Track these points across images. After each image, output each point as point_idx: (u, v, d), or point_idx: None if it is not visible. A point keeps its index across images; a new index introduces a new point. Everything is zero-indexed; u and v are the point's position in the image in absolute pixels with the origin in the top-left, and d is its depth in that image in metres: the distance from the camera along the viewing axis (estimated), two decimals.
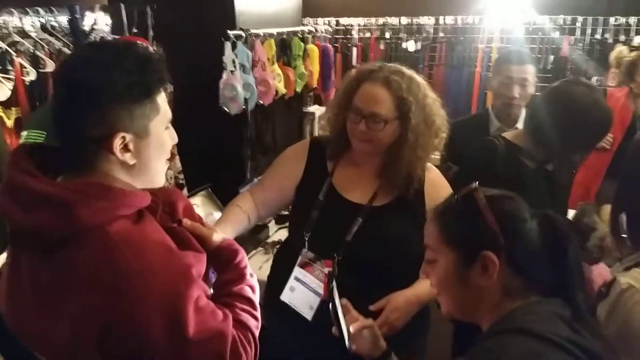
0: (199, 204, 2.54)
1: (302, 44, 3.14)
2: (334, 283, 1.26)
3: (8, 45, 2.14)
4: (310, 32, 3.36)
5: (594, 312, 1.17)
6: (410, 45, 4.43)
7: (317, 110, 3.46)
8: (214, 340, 0.93)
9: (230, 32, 2.57)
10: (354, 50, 4.52)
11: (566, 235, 0.98)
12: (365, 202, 1.56)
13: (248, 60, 2.67)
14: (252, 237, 2.51)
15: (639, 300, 1.10)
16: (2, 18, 2.41)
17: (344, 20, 4.56)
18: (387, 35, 4.49)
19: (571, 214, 2.02)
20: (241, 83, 2.57)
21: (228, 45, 2.56)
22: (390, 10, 4.46)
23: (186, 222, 1.07)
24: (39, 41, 2.23)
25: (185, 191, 2.58)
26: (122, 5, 2.32)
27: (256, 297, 1.12)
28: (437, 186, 1.61)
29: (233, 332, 0.97)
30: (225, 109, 2.57)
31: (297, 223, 1.64)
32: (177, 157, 2.61)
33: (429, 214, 1.34)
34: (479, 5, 4.24)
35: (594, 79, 3.80)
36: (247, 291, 1.10)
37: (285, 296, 1.59)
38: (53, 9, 2.43)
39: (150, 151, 0.98)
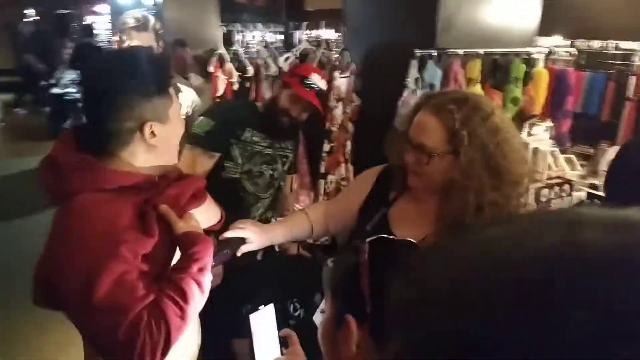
0: None
1: (522, 66, 2.83)
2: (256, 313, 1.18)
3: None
4: (549, 53, 2.99)
5: None
6: None
7: (534, 141, 3.05)
8: (114, 312, 1.04)
9: (419, 51, 2.56)
10: (632, 79, 3.74)
11: None
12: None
13: (438, 80, 2.61)
14: None
15: None
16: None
17: (624, 44, 3.82)
18: None
19: None
20: None
21: (414, 64, 2.57)
22: None
23: (161, 207, 1.21)
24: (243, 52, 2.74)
25: None
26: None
27: (195, 294, 1.14)
28: None
29: (141, 313, 1.05)
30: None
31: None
32: (343, 165, 2.76)
33: None
34: None
35: None
36: (186, 283, 1.12)
37: (317, 317, 1.56)
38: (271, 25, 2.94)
39: (170, 133, 1.22)
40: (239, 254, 1.49)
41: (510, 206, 1.33)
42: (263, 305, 1.16)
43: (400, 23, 2.84)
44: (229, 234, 1.49)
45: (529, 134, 3.13)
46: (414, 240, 0.96)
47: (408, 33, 2.78)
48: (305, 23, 2.87)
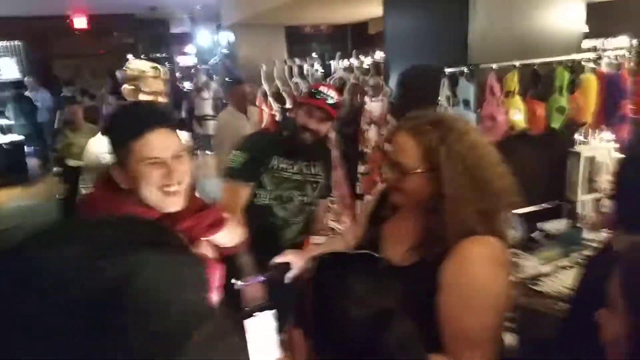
0: None
1: (566, 74, 2.74)
2: None
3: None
4: (595, 59, 2.85)
5: None
6: None
7: (589, 150, 2.91)
8: None
9: (448, 70, 2.59)
10: None
11: None
12: (397, 261, 1.48)
13: (471, 95, 2.61)
14: None
15: None
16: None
17: None
18: None
19: None
20: None
21: (444, 82, 2.60)
22: None
23: None
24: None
25: None
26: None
27: None
28: (461, 265, 1.29)
29: None
30: None
31: None
32: (380, 185, 2.82)
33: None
34: None
35: None
36: None
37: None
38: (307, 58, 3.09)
39: (130, 180, 1.39)
40: (286, 280, 1.68)
41: (493, 219, 1.36)
42: (259, 312, 1.29)
43: (434, 42, 2.88)
44: (277, 260, 1.70)
45: (584, 143, 2.99)
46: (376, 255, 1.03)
47: (441, 51, 2.81)
48: (339, 53, 3.01)
